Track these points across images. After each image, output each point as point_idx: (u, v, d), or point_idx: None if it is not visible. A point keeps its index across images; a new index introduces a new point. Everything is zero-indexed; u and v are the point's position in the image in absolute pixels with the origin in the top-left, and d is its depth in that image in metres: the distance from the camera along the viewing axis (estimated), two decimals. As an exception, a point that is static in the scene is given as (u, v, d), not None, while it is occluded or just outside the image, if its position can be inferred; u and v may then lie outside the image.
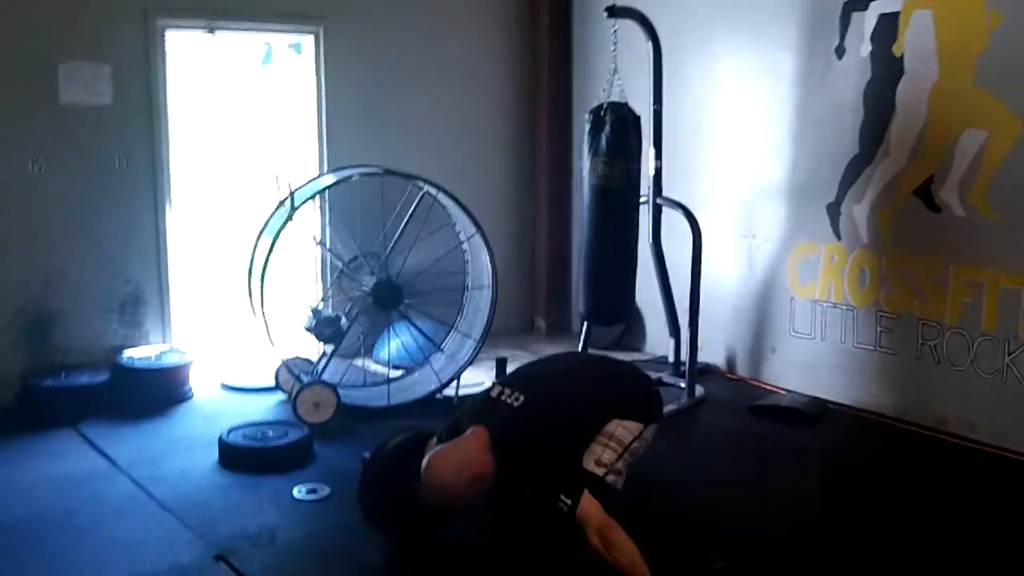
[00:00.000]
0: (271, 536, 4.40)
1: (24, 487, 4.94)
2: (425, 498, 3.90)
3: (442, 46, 7.54)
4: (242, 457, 5.18)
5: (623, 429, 3.95)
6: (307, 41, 6.98)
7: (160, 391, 6.14)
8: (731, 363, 7.02)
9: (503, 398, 4.08)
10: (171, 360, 6.30)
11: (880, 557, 4.20)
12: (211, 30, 6.55)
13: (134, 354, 6.28)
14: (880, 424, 5.99)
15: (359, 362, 6.59)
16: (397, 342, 6.59)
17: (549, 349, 7.41)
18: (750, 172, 6.77)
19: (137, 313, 6.49)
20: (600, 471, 3.83)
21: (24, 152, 5.96)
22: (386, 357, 6.69)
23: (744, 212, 6.83)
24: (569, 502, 3.68)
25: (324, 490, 4.84)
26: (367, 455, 4.48)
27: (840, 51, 6.13)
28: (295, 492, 4.83)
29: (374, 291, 5.99)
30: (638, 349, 7.61)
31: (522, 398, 4.07)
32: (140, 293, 6.48)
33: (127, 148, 6.32)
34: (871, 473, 5.24)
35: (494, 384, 4.31)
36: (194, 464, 5.23)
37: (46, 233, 6.04)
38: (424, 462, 3.90)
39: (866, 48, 6.00)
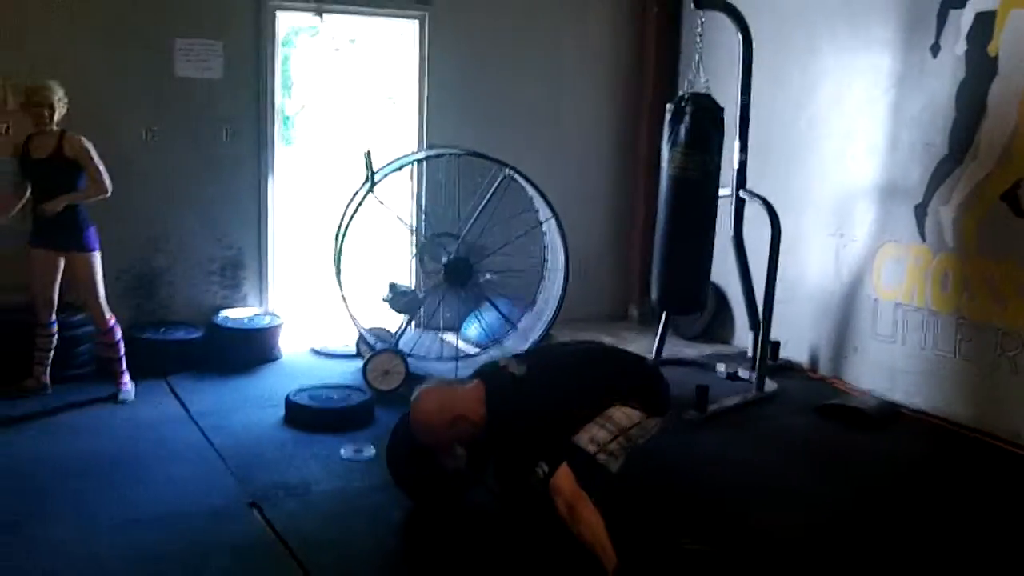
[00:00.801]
0: (306, 489, 4.69)
1: (105, 425, 5.43)
2: (412, 430, 4.07)
3: (546, 35, 7.68)
4: (303, 416, 5.50)
5: (622, 414, 4.01)
6: (412, 26, 7.23)
7: (249, 351, 6.55)
8: (814, 361, 6.92)
9: (509, 368, 4.22)
10: (263, 322, 6.70)
11: (894, 564, 4.15)
12: (319, 12, 6.88)
13: (229, 315, 6.71)
14: (950, 433, 5.81)
15: (448, 337, 6.86)
16: (489, 317, 6.80)
17: (638, 337, 7.51)
18: (843, 170, 6.65)
19: (237, 276, 6.92)
20: (592, 448, 3.91)
21: (139, 121, 6.45)
22: (471, 335, 6.92)
23: (835, 211, 6.72)
24: (547, 469, 3.77)
25: (370, 451, 5.09)
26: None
27: (935, 49, 5.96)
28: (342, 451, 5.11)
29: (446, 268, 6.21)
30: (726, 341, 7.58)
31: (525, 369, 4.20)
32: (241, 258, 6.91)
33: (234, 120, 6.74)
34: (918, 480, 5.11)
35: (504, 357, 4.45)
36: (260, 419, 5.59)
37: (156, 197, 6.50)
38: (415, 393, 4.06)
39: (961, 47, 5.82)
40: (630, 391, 4.11)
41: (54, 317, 5.78)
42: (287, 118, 17.60)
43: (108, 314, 5.77)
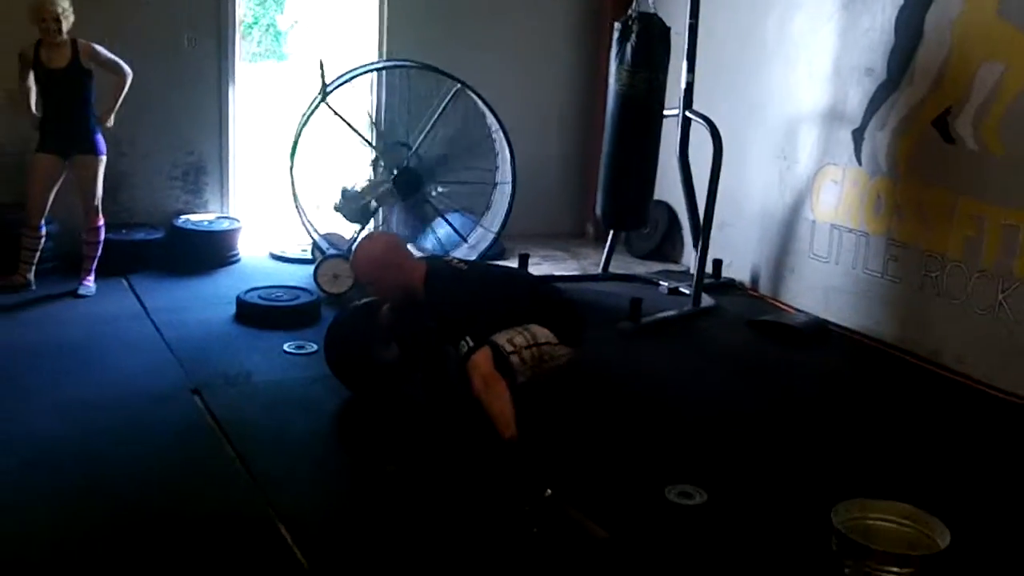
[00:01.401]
0: (247, 379, 4.98)
1: (61, 319, 5.70)
2: (353, 262, 4.49)
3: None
4: (252, 314, 5.78)
5: (540, 330, 4.30)
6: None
7: (208, 253, 6.80)
8: (755, 281, 7.17)
9: (450, 262, 4.54)
10: (222, 226, 6.93)
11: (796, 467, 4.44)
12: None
13: (190, 218, 6.93)
14: (875, 350, 6.08)
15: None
16: (442, 232, 7.02)
17: (592, 253, 7.75)
18: (788, 94, 6.82)
19: (199, 182, 7.13)
20: (508, 347, 4.17)
21: (100, 31, 6.51)
22: (428, 246, 7.15)
23: (780, 134, 6.90)
24: (472, 344, 4.02)
25: (311, 347, 5.36)
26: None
27: (878, -27, 6.11)
28: (285, 347, 5.38)
29: (395, 179, 6.42)
30: (676, 260, 7.82)
31: (465, 267, 4.51)
32: (203, 164, 7.12)
33: (196, 30, 6.89)
34: (832, 392, 5.39)
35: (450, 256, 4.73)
36: (212, 316, 5.86)
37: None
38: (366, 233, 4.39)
39: (902, -28, 5.97)
40: (550, 316, 4.39)
41: (43, 220, 6.03)
42: (280, 33, 17.67)
43: (100, 215, 6.09)
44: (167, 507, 3.72)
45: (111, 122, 6.02)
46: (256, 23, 17.37)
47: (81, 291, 6.05)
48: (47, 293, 6.06)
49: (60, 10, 5.68)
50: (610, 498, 3.93)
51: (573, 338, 4.44)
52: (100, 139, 5.99)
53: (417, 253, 7.01)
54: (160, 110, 6.89)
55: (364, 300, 4.85)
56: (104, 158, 6.01)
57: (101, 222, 6.10)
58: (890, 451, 4.61)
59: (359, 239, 4.51)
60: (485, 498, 3.83)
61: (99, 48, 5.90)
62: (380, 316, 4.63)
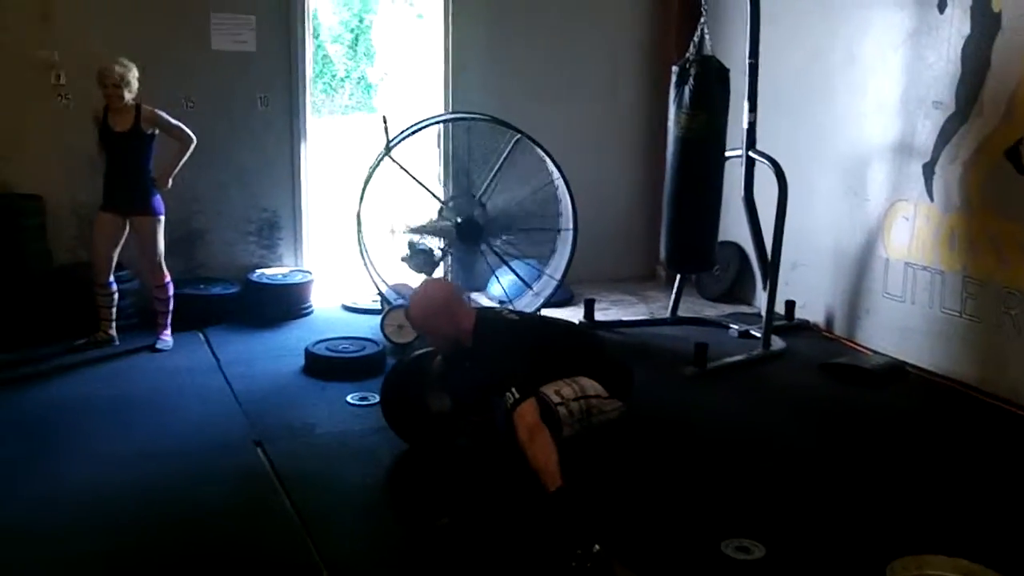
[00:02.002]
0: (309, 430, 5.05)
1: (136, 373, 5.89)
2: (407, 310, 4.56)
3: (568, 2, 7.88)
4: (319, 365, 5.87)
5: (589, 382, 4.28)
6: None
7: (282, 306, 6.95)
8: (829, 322, 7.01)
9: (502, 313, 4.57)
10: (295, 279, 7.08)
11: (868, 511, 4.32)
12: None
13: (265, 272, 7.10)
14: (953, 392, 5.87)
15: (473, 295, 7.15)
16: (507, 279, 7.06)
17: (662, 296, 7.69)
18: (855, 129, 6.71)
19: (272, 237, 7.32)
20: (555, 399, 4.15)
21: (178, 91, 6.83)
22: (495, 293, 7.20)
23: (849, 169, 6.78)
24: (518, 396, 3.99)
25: (374, 398, 5.39)
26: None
27: (941, 5, 5.98)
28: (348, 398, 5.45)
29: (459, 227, 6.48)
30: (748, 302, 7.70)
31: (516, 317, 4.54)
32: (276, 219, 7.30)
33: (268, 90, 7.10)
34: (906, 436, 5.22)
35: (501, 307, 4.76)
36: (281, 368, 5.97)
37: (196, 162, 6.73)
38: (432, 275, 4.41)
39: (966, 2, 5.84)
40: (599, 369, 4.37)
41: (112, 277, 6.23)
42: (370, 85, 18.09)
43: (165, 272, 6.26)
44: (220, 554, 3.81)
45: (169, 184, 6.14)
46: (348, 76, 17.85)
47: (158, 345, 6.23)
48: (127, 348, 6.24)
49: (119, 77, 5.86)
50: (664, 552, 3.87)
51: (623, 392, 4.40)
52: (157, 200, 6.13)
53: (485, 301, 7.09)
54: (235, 167, 7.11)
55: (420, 351, 4.90)
56: (162, 218, 6.16)
57: (167, 279, 6.27)
58: (961, 499, 4.44)
59: (416, 288, 4.57)
60: (534, 553, 3.80)
61: (161, 114, 6.04)
62: (433, 364, 4.67)
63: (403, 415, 4.82)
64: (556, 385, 4.21)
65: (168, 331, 6.32)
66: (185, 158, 6.15)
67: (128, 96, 5.91)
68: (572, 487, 3.83)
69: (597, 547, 3.57)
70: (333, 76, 17.68)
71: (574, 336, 4.82)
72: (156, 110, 6.03)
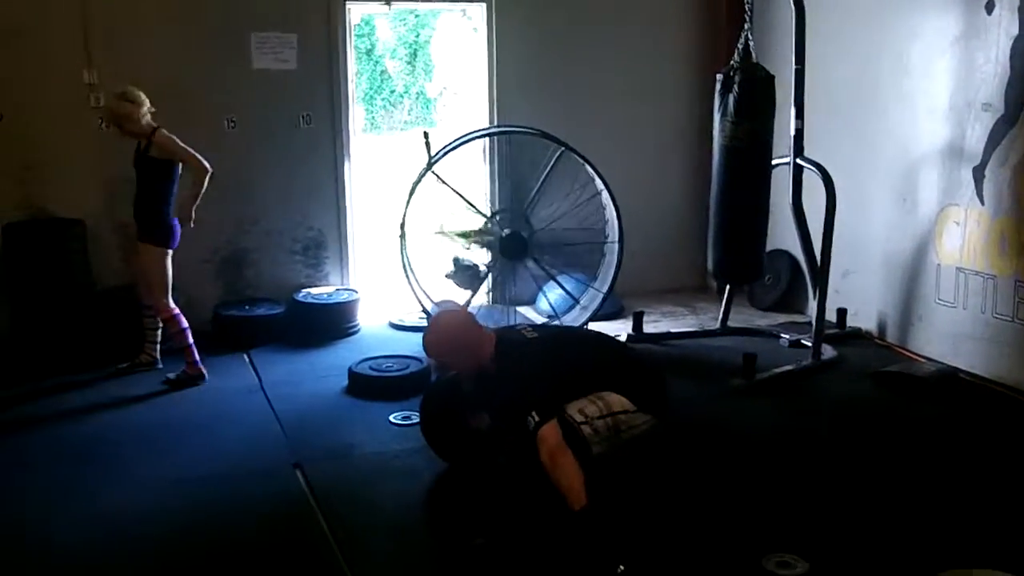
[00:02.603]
0: (349, 451, 5.06)
1: (182, 395, 5.93)
2: (425, 346, 4.46)
3: (612, 13, 7.80)
4: (362, 385, 5.87)
5: (616, 398, 4.17)
6: (479, 10, 7.47)
7: (328, 325, 6.96)
8: (882, 329, 6.86)
9: (522, 331, 4.51)
10: (341, 298, 7.09)
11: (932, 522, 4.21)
12: (387, 2, 7.21)
13: (311, 291, 7.14)
14: (1007, 399, 5.72)
15: (523, 311, 7.14)
16: (555, 294, 7.01)
17: (712, 307, 7.58)
18: (905, 134, 6.56)
19: (319, 256, 7.34)
20: (579, 418, 4.07)
21: (220, 111, 6.90)
22: (543, 307, 7.15)
23: (899, 175, 6.62)
24: (538, 419, 3.95)
25: (417, 418, 5.36)
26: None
27: (990, 6, 5.82)
28: (391, 417, 5.44)
29: (503, 241, 6.45)
30: (800, 311, 7.56)
31: (536, 335, 4.48)
32: (322, 238, 7.33)
33: (310, 108, 7.13)
34: (959, 448, 5.07)
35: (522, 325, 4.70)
36: (324, 389, 5.98)
37: (239, 183, 6.93)
38: (447, 306, 4.36)
39: (1014, 3, 5.67)
40: (626, 382, 4.28)
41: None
42: (429, 100, 18.17)
43: (164, 305, 5.96)
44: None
45: (192, 219, 5.92)
46: (407, 92, 17.95)
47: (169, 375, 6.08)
48: (171, 371, 6.22)
49: (110, 112, 5.87)
50: (704, 568, 3.81)
51: (653, 405, 4.30)
52: (163, 231, 5.87)
53: (533, 315, 7.05)
54: (279, 187, 7.16)
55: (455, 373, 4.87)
56: (165, 251, 5.90)
57: (172, 312, 5.99)
58: (1013, 512, 4.29)
59: (432, 317, 4.51)
60: (566, 573, 3.76)
61: (173, 141, 5.81)
62: (464, 384, 4.63)
63: (443, 433, 4.80)
64: (580, 403, 4.13)
65: (195, 357, 6.07)
66: (202, 190, 5.89)
67: (131, 126, 5.79)
68: (598, 507, 3.79)
69: (622, 568, 3.52)
70: (392, 92, 17.81)
71: (598, 349, 4.69)
72: (171, 137, 5.82)
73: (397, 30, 17.32)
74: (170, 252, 5.95)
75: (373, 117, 17.07)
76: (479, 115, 7.69)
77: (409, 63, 17.64)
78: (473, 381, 4.50)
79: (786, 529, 4.12)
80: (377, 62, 17.35)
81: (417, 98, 18.03)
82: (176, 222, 5.94)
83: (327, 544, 4.07)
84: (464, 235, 6.54)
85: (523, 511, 4.25)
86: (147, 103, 5.84)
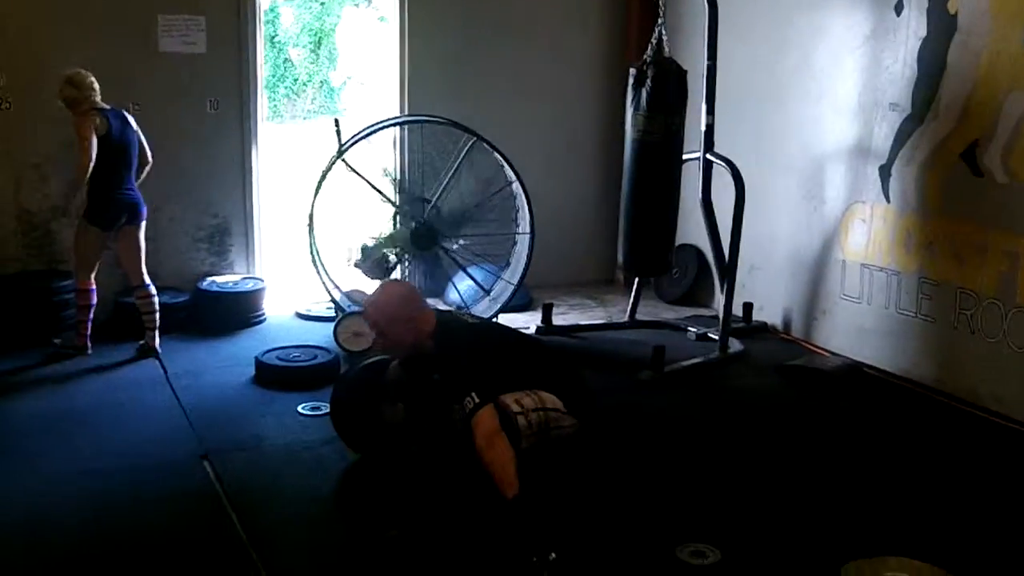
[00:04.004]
0: (258, 443, 4.94)
1: (83, 386, 5.72)
2: (365, 312, 4.36)
3: (526, 6, 7.78)
4: (270, 375, 5.74)
5: (548, 396, 4.15)
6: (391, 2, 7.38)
7: (233, 314, 6.79)
8: (787, 324, 6.99)
9: (463, 316, 4.45)
10: (246, 287, 6.93)
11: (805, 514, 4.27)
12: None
13: (216, 279, 6.96)
14: (910, 393, 5.87)
15: (431, 301, 7.04)
16: (465, 285, 6.96)
17: (621, 300, 7.63)
18: (812, 132, 6.69)
19: (224, 243, 7.16)
20: (515, 408, 4.04)
21: (124, 95, 6.63)
22: (453, 298, 7.10)
23: (806, 172, 6.75)
24: (478, 401, 3.90)
25: (326, 408, 5.24)
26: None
27: (899, 7, 5.97)
28: (299, 408, 5.33)
29: (414, 231, 6.38)
30: (707, 304, 7.66)
31: (476, 321, 4.44)
32: (227, 226, 7.15)
33: (218, 94, 6.94)
34: (864, 440, 5.18)
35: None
36: (231, 379, 5.83)
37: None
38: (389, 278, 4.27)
39: (922, 4, 5.82)
40: (559, 385, 4.25)
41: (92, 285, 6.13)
42: (333, 89, 17.92)
43: (79, 279, 6.07)
44: (162, 573, 3.71)
45: (77, 199, 5.98)
46: (310, 80, 17.68)
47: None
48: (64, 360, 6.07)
49: (62, 93, 5.79)
50: (619, 557, 3.82)
51: (581, 410, 4.28)
52: (90, 206, 5.96)
53: (442, 307, 6.99)
54: (185, 174, 6.95)
55: (370, 360, 4.79)
56: (84, 223, 6.00)
57: (84, 285, 6.07)
58: (916, 500, 4.42)
59: (374, 290, 4.43)
60: (488, 562, 3.72)
61: (77, 123, 5.78)
62: (388, 373, 4.56)
63: (354, 424, 4.71)
64: (516, 395, 4.09)
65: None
66: (83, 175, 5.80)
67: (76, 108, 5.78)
68: (529, 495, 3.76)
69: (553, 555, 3.50)
70: (295, 80, 17.53)
71: (535, 348, 4.70)
72: (84, 120, 5.76)
73: (302, 18, 17.06)
74: (96, 230, 5.98)
75: (276, 105, 16.80)
76: (388, 105, 7.60)
77: (313, 51, 17.40)
78: (403, 363, 4.42)
79: (699, 519, 4.15)
80: (280, 50, 17.08)
81: (321, 87, 17.80)
82: (109, 202, 5.95)
83: (238, 537, 3.96)
84: (373, 250, 6.43)
85: (437, 502, 4.20)
86: (92, 87, 5.82)
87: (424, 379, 4.38)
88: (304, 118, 17.07)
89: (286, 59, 17.21)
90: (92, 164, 5.76)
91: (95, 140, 5.76)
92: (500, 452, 3.84)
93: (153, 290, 6.21)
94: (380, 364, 4.68)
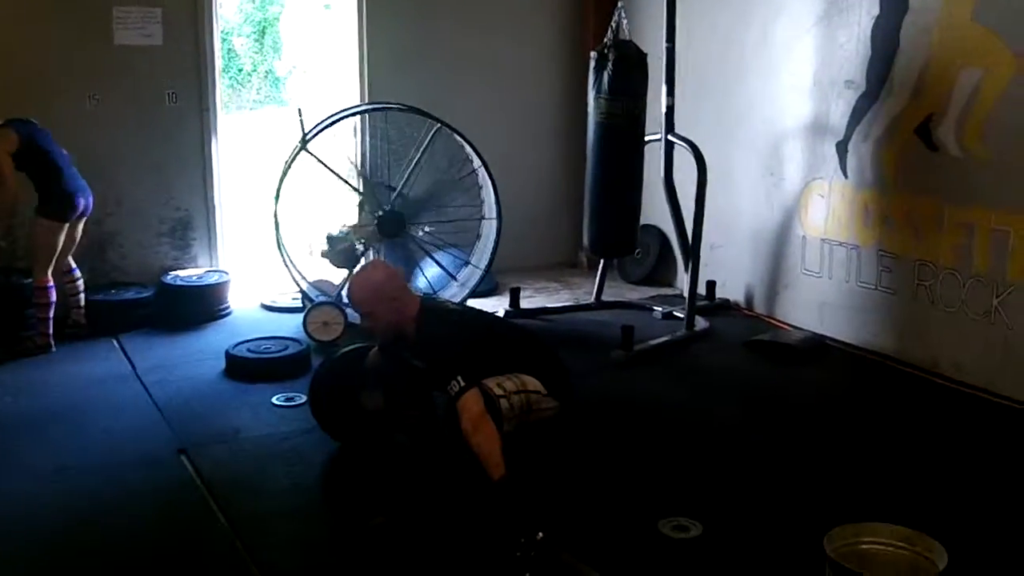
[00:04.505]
0: (234, 435, 4.93)
1: (51, 384, 5.64)
2: (351, 289, 4.39)
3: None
4: (241, 367, 5.73)
5: (529, 379, 4.22)
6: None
7: (198, 308, 6.75)
8: (749, 300, 7.10)
9: (445, 301, 4.49)
10: (211, 280, 6.90)
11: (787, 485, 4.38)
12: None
13: (179, 273, 6.92)
14: (873, 364, 6.01)
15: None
16: (432, 272, 6.97)
17: (585, 282, 7.70)
18: (770, 109, 6.79)
19: (186, 237, 7.11)
20: (498, 391, 4.09)
21: (81, 88, 6.60)
22: (420, 285, 7.11)
23: (766, 150, 6.85)
24: (463, 384, 3.95)
25: (300, 399, 5.29)
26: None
27: (852, -15, 6.08)
28: (274, 399, 5.33)
29: (380, 219, 6.39)
30: (670, 284, 7.75)
31: (457, 307, 4.49)
32: (189, 219, 7.10)
33: (177, 85, 6.88)
34: (832, 411, 5.31)
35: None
36: (202, 372, 5.80)
37: (102, 162, 6.62)
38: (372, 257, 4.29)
39: (875, -18, 5.94)
40: (539, 369, 4.32)
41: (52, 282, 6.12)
42: (278, 79, 17.73)
43: (39, 276, 6.02)
44: (148, 570, 3.70)
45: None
46: (255, 70, 17.49)
47: None
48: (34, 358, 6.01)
49: None
50: (603, 534, 3.89)
51: (561, 393, 4.35)
52: (47, 204, 5.97)
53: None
54: (145, 167, 6.89)
55: (349, 348, 4.81)
56: (39, 219, 5.99)
57: (43, 283, 6.06)
58: (889, 467, 4.54)
59: (360, 267, 4.45)
60: (475, 545, 3.77)
61: None
62: (367, 360, 4.58)
63: (334, 413, 4.74)
64: (498, 379, 4.15)
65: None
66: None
67: None
68: (515, 476, 3.82)
69: (541, 534, 3.55)
70: (240, 71, 17.34)
71: (515, 332, 4.75)
72: None
73: (244, 7, 16.87)
74: (59, 224, 6.01)
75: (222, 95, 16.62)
76: (341, 93, 7.60)
77: (257, 41, 17.22)
78: (383, 348, 4.45)
79: (680, 494, 4.23)
80: (224, 39, 16.88)
81: (266, 77, 17.63)
82: (63, 196, 5.98)
83: (222, 530, 3.97)
84: (339, 238, 6.42)
85: (422, 489, 4.24)
86: None
87: (404, 365, 4.42)
88: (250, 108, 16.91)
89: (230, 49, 17.02)
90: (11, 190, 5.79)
91: (10, 162, 5.76)
92: (486, 435, 3.89)
93: (79, 273, 6.33)
94: (359, 352, 4.70)
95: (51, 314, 6.08)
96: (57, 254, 6.07)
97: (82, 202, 6.06)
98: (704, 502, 4.14)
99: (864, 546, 3.42)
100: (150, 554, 3.81)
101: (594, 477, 4.40)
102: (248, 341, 5.98)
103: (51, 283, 6.05)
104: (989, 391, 5.43)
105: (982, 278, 5.48)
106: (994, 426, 5.08)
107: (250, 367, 5.70)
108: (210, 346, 6.21)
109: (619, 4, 6.29)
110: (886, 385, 5.70)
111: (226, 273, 7.01)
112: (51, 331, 6.10)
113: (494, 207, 6.63)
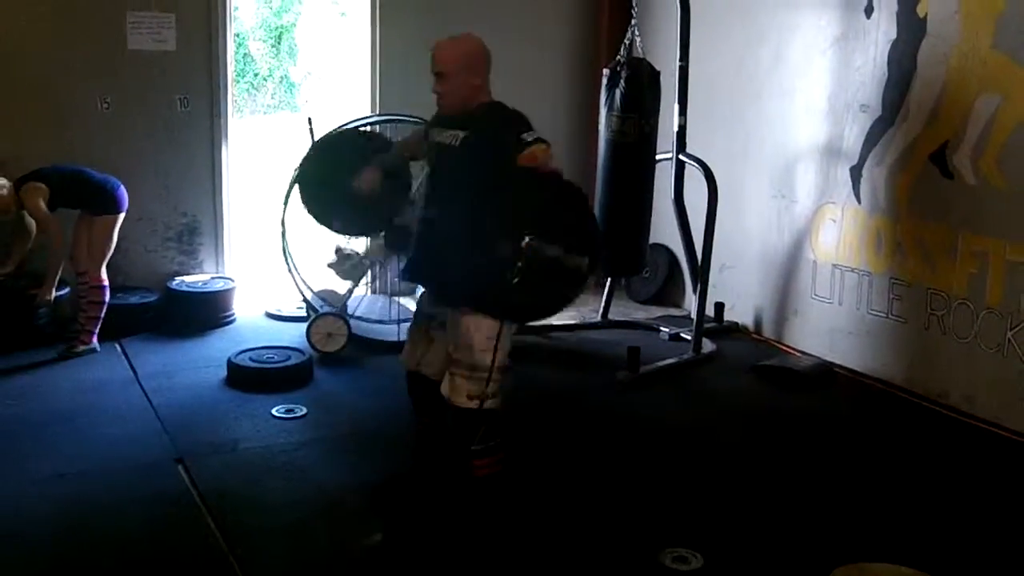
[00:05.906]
0: (233, 446, 4.88)
1: (51, 388, 5.59)
2: (439, 47, 4.19)
3: (499, 5, 7.75)
4: (243, 377, 5.67)
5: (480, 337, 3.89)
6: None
7: (203, 314, 6.71)
8: (758, 324, 7.02)
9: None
10: (216, 286, 6.86)
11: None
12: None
13: (185, 279, 6.88)
14: (882, 394, 5.92)
15: (404, 300, 7.02)
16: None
17: (593, 299, 7.61)
18: (783, 132, 6.72)
19: (193, 242, 7.07)
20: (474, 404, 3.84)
21: (93, 92, 6.58)
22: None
23: (777, 172, 6.79)
24: (529, 140, 3.93)
25: (300, 411, 5.26)
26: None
27: (868, 10, 6.01)
28: (274, 410, 5.28)
29: (386, 234, 6.32)
30: (678, 304, 7.69)
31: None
32: (196, 225, 7.06)
33: (189, 91, 6.85)
34: (839, 441, 5.23)
35: None
36: (203, 380, 5.76)
37: (111, 166, 6.52)
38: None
39: (892, 7, 5.87)
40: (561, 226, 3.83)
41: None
42: (293, 84, 17.77)
43: (95, 274, 6.09)
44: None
45: (49, 297, 5.95)
46: (270, 76, 17.54)
47: None
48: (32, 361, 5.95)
49: None
50: (601, 564, 3.81)
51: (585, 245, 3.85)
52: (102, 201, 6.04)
53: (413, 306, 6.95)
54: (154, 172, 6.86)
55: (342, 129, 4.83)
56: (102, 220, 6.06)
57: (103, 283, 6.17)
58: (895, 502, 4.46)
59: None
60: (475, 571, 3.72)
61: (33, 199, 5.75)
62: (363, 180, 4.53)
63: (325, 191, 4.80)
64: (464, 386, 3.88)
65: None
66: (57, 265, 5.93)
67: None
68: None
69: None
70: (255, 75, 17.39)
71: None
72: (33, 189, 5.76)
73: (260, 12, 16.92)
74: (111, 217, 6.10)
75: (236, 100, 16.66)
76: (352, 100, 7.56)
77: (274, 46, 17.27)
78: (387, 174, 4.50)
79: (681, 523, 4.16)
80: (241, 44, 16.93)
81: (281, 82, 17.67)
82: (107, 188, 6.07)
83: (215, 543, 3.92)
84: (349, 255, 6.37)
85: (420, 512, 4.19)
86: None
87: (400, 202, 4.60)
88: (264, 112, 16.95)
89: (246, 53, 17.07)
90: (62, 238, 5.87)
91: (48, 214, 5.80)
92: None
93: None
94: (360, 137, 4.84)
95: (103, 313, 6.11)
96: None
97: (122, 191, 6.10)
98: (706, 532, 4.07)
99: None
100: (143, 565, 3.76)
101: (595, 502, 4.33)
102: (251, 350, 5.94)
103: (107, 282, 6.10)
104: (1000, 425, 5.34)
105: (996, 310, 5.40)
106: (1004, 462, 4.99)
107: (251, 377, 5.65)
108: (213, 354, 6.17)
109: (633, 22, 6.25)
110: (894, 415, 5.62)
111: (232, 280, 6.97)
112: (97, 331, 6.14)
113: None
